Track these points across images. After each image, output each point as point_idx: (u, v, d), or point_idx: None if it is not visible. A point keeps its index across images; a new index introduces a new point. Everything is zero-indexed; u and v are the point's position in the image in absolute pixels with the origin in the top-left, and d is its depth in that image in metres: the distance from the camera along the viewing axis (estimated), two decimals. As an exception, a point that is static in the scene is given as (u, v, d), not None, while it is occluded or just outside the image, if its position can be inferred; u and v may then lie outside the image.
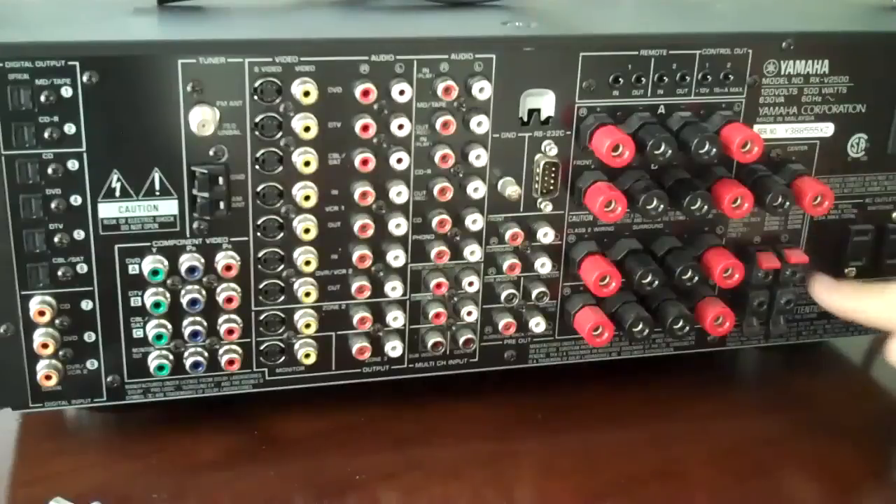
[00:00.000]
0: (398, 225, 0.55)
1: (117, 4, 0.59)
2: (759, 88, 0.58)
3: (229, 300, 0.55)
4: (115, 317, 0.54)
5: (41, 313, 0.53)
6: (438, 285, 0.58)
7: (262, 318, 0.57)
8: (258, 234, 0.55)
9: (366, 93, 0.52)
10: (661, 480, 0.57)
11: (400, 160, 0.54)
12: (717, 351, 0.65)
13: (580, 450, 0.59)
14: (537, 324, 0.60)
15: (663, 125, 0.56)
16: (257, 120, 0.52)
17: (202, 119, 0.51)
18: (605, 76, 0.56)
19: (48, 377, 0.54)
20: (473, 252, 0.57)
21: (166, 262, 0.54)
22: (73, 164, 0.51)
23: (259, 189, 0.54)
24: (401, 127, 0.53)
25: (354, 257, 0.56)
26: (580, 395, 0.64)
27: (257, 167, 0.53)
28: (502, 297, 0.59)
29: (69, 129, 0.50)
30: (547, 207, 0.58)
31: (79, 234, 0.52)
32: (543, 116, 0.56)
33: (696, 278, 0.58)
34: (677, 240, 0.60)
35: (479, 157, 0.55)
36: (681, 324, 0.59)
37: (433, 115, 0.54)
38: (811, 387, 0.67)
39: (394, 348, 0.58)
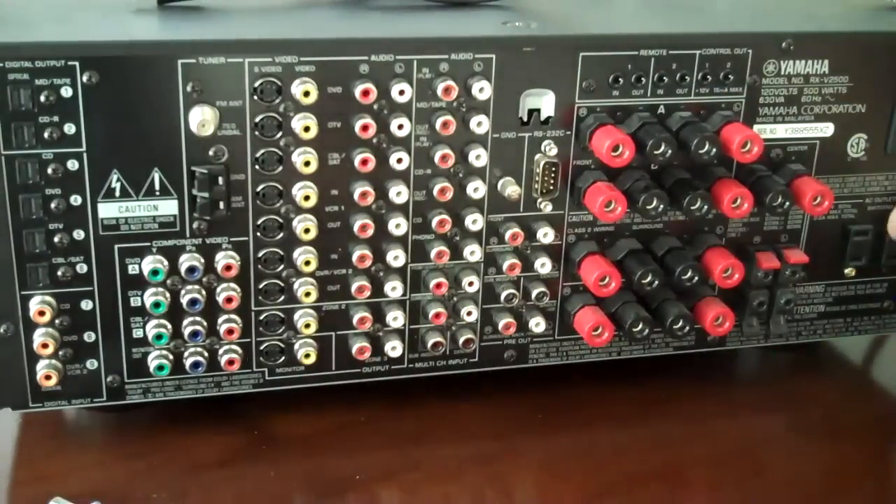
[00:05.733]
0: (398, 225, 0.55)
1: (117, 4, 0.59)
2: (759, 88, 0.58)
3: (229, 300, 0.55)
4: (114, 317, 0.54)
5: (41, 313, 0.53)
6: (438, 285, 0.57)
7: (262, 318, 0.57)
8: (258, 234, 0.55)
9: (366, 93, 0.52)
10: (661, 480, 0.57)
11: (400, 160, 0.54)
12: (717, 351, 0.65)
13: (580, 450, 0.59)
14: (537, 324, 0.60)
15: (663, 125, 0.56)
16: (257, 120, 0.52)
17: (202, 119, 0.51)
18: (605, 76, 0.56)
19: (48, 377, 0.54)
20: (473, 252, 0.57)
21: (166, 262, 0.54)
22: (72, 164, 0.51)
23: (259, 189, 0.54)
24: (401, 127, 0.53)
25: (354, 257, 0.56)
26: (580, 395, 0.64)
27: (257, 167, 0.53)
28: (502, 297, 0.59)
29: (69, 129, 0.50)
30: (547, 207, 0.58)
31: (79, 234, 0.52)
32: (543, 116, 0.56)
33: (696, 278, 0.58)
34: (677, 240, 0.60)
35: (479, 157, 0.55)
36: (681, 324, 0.59)
37: (433, 115, 0.54)
38: (811, 387, 0.67)
39: (394, 348, 0.58)
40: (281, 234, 0.55)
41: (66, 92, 0.49)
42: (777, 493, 0.56)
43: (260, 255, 0.55)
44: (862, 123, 0.61)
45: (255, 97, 0.52)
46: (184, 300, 0.54)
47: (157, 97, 0.51)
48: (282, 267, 0.56)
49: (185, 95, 0.51)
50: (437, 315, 0.58)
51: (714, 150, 0.55)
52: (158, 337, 0.55)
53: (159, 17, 0.58)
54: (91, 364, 0.55)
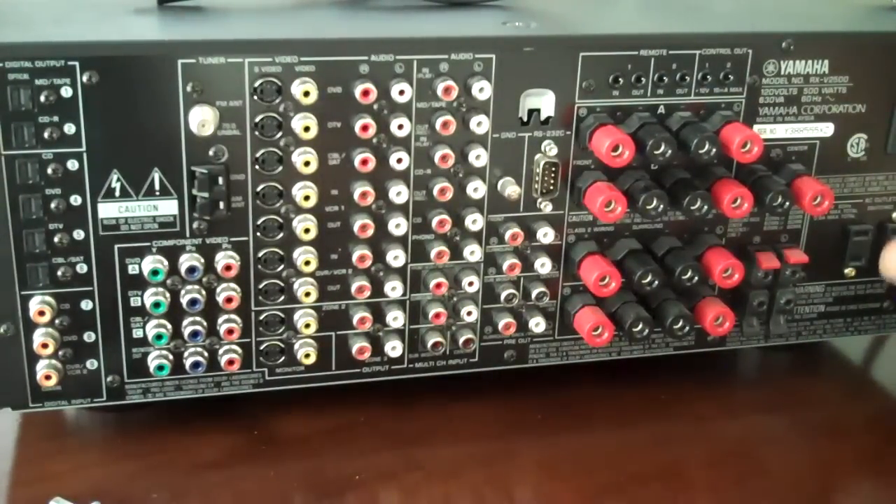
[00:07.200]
0: (398, 225, 0.55)
1: (117, 4, 0.59)
2: (759, 88, 0.58)
3: (229, 300, 0.55)
4: (115, 317, 0.54)
5: (41, 313, 0.53)
6: (438, 285, 0.57)
7: (261, 318, 0.57)
8: (258, 234, 0.55)
9: (366, 93, 0.52)
10: (661, 480, 0.57)
11: (400, 160, 0.54)
12: (717, 351, 0.65)
13: (580, 450, 0.59)
14: (537, 324, 0.60)
15: (663, 125, 0.56)
16: (257, 120, 0.52)
17: (202, 119, 0.51)
18: (605, 76, 0.56)
19: (48, 377, 0.54)
20: (473, 252, 0.57)
21: (166, 262, 0.54)
22: (72, 164, 0.51)
23: (259, 189, 0.54)
24: (401, 127, 0.53)
25: (354, 257, 0.56)
26: (580, 395, 0.64)
27: (257, 167, 0.53)
28: (502, 297, 0.59)
29: (69, 129, 0.50)
30: (547, 207, 0.58)
31: (79, 234, 0.52)
32: (543, 116, 0.56)
33: (696, 278, 0.58)
34: (677, 240, 0.60)
35: (479, 157, 0.55)
36: (681, 324, 0.59)
37: (433, 115, 0.54)
38: (811, 387, 0.67)
39: (394, 348, 0.58)
40: (281, 234, 0.55)
41: (66, 92, 0.49)
42: (777, 493, 0.56)
43: (260, 255, 0.55)
44: (862, 123, 0.61)
45: (255, 97, 0.52)
46: (184, 300, 0.54)
47: (157, 97, 0.51)
48: (282, 267, 0.56)
49: (185, 95, 0.51)
50: (437, 315, 0.58)
51: (714, 150, 0.55)
52: (158, 337, 0.55)
53: (159, 17, 0.58)
54: (91, 364, 0.55)
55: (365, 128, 0.53)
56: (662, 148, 0.55)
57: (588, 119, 0.56)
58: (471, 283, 0.58)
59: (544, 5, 0.66)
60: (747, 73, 0.58)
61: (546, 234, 0.58)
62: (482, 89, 0.54)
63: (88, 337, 0.55)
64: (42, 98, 0.49)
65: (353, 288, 0.57)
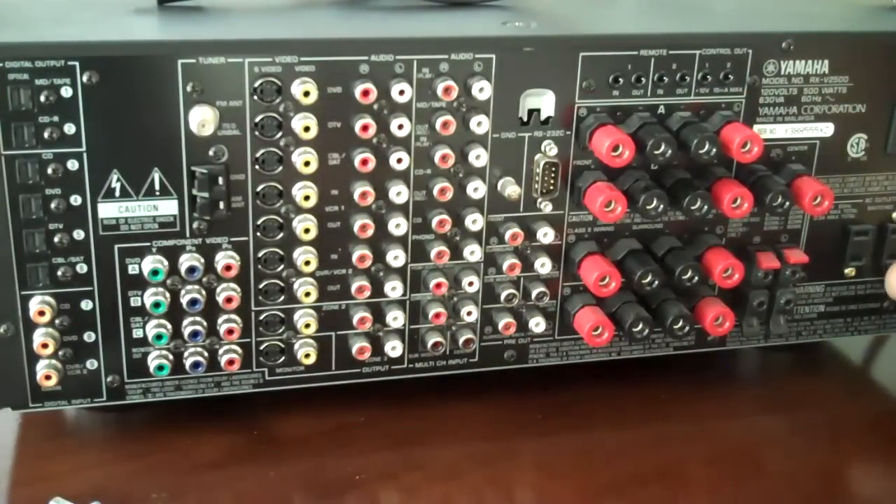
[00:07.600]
0: (398, 225, 0.55)
1: (117, 4, 0.59)
2: (759, 88, 0.58)
3: (229, 300, 0.55)
4: (114, 317, 0.54)
5: (41, 313, 0.53)
6: (438, 285, 0.58)
7: (262, 318, 0.57)
8: (258, 234, 0.55)
9: (366, 93, 0.52)
10: (661, 480, 0.57)
11: (400, 160, 0.54)
12: (717, 351, 0.65)
13: (580, 450, 0.59)
14: (537, 324, 0.60)
15: (663, 125, 0.56)
16: (257, 120, 0.52)
17: (202, 119, 0.51)
18: (605, 76, 0.56)
19: (48, 377, 0.54)
20: (473, 252, 0.57)
21: (166, 262, 0.54)
22: (72, 164, 0.51)
23: (259, 189, 0.54)
24: (401, 127, 0.53)
25: (354, 257, 0.56)
26: (580, 395, 0.64)
27: (257, 167, 0.53)
28: (502, 297, 0.59)
29: (69, 129, 0.50)
30: (547, 207, 0.58)
31: (79, 234, 0.52)
32: (543, 116, 0.56)
33: (696, 278, 0.58)
34: (677, 240, 0.60)
35: (479, 157, 0.55)
36: (681, 324, 0.59)
37: (433, 115, 0.54)
38: (811, 387, 0.67)
39: (394, 348, 0.58)
40: (281, 234, 0.55)
41: (66, 92, 0.49)
42: (777, 493, 0.56)
43: (260, 255, 0.55)
44: (862, 123, 0.61)
45: (255, 97, 0.52)
46: (184, 300, 0.54)
47: (157, 97, 0.51)
48: (282, 267, 0.56)
49: (185, 95, 0.51)
50: (437, 315, 0.58)
51: (714, 150, 0.55)
52: (158, 337, 0.55)
53: (159, 17, 0.58)
54: (91, 364, 0.55)
55: (365, 128, 0.53)
56: (662, 148, 0.55)
57: (588, 119, 0.56)
58: (471, 283, 0.58)
59: (544, 5, 0.66)
60: (747, 73, 0.58)
61: (546, 234, 0.58)
62: (482, 89, 0.54)
63: (88, 337, 0.55)
64: (42, 98, 0.49)
65: (353, 288, 0.57)
